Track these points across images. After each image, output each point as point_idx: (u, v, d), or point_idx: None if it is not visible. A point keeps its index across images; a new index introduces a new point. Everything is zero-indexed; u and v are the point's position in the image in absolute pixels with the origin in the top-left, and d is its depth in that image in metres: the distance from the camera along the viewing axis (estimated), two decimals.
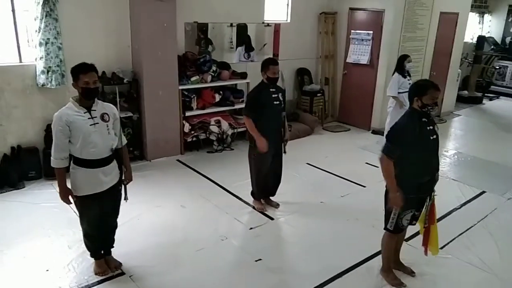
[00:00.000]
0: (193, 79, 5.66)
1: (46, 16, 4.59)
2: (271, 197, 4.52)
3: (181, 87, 5.57)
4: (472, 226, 4.22)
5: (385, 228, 3.14)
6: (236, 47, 6.45)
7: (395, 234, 3.13)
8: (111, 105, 3.10)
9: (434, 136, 2.94)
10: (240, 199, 4.61)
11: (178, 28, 5.54)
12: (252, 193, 4.46)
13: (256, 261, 3.53)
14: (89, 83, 2.79)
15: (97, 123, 2.88)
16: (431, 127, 2.93)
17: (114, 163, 3.05)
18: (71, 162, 2.92)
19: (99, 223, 3.11)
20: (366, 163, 5.73)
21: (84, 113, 2.85)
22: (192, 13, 5.85)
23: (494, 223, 4.32)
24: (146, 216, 4.16)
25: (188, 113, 5.73)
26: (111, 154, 2.99)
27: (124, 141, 3.15)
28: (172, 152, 5.68)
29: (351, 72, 7.56)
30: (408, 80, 5.78)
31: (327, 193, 4.87)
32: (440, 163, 3.16)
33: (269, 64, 3.99)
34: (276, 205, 4.48)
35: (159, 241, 3.75)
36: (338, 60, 7.71)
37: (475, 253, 3.74)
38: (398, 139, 2.90)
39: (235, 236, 3.92)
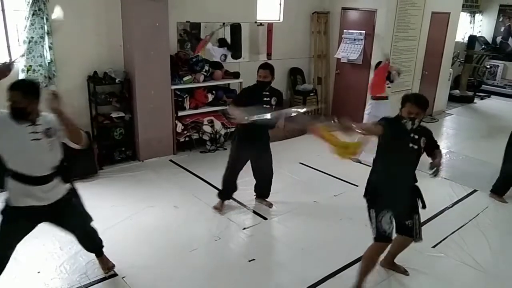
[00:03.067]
0: (185, 78, 5.63)
1: (33, 14, 4.53)
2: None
3: (173, 87, 5.55)
4: (464, 225, 4.25)
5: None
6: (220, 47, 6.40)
7: (381, 243, 3.04)
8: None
9: (415, 147, 2.91)
10: (233, 199, 4.59)
11: (171, 27, 5.51)
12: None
13: (249, 261, 3.52)
14: (14, 102, 2.45)
15: (39, 139, 2.53)
16: (416, 136, 2.91)
17: (56, 182, 2.67)
18: None
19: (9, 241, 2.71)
20: (359, 162, 5.74)
21: (28, 126, 2.50)
22: (185, 12, 5.82)
23: (486, 222, 4.36)
24: (139, 217, 4.14)
25: (180, 113, 5.70)
26: (52, 173, 2.63)
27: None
28: (165, 152, 5.66)
29: (343, 72, 7.57)
30: (388, 85, 5.70)
31: (320, 192, 4.88)
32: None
33: (259, 68, 4.04)
34: (270, 205, 4.48)
35: (152, 242, 3.73)
36: (331, 60, 7.73)
37: (468, 252, 3.76)
38: (382, 120, 2.99)
39: (229, 236, 3.92)
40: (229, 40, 6.42)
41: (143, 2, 5.03)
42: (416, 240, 3.13)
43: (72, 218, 2.87)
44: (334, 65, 7.69)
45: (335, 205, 4.63)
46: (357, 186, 5.04)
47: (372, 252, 3.07)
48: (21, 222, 2.69)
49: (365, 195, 3.07)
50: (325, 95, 7.86)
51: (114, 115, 5.28)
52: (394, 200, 2.94)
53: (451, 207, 4.63)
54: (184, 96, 5.71)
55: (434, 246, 3.77)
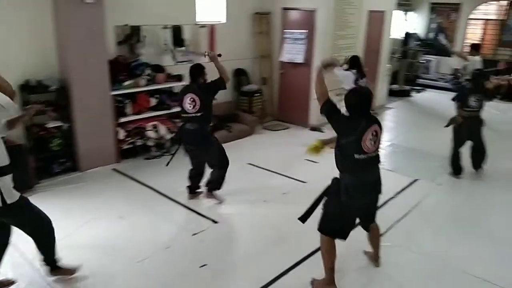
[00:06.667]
0: (126, 83, 5.44)
1: None
2: (217, 191, 4.60)
3: (113, 93, 5.34)
4: (407, 213, 4.42)
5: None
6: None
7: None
8: None
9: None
10: (182, 205, 4.50)
11: (108, 31, 5.30)
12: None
13: (201, 267, 3.45)
14: None
15: None
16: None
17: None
18: None
19: None
20: (306, 159, 5.81)
21: None
22: (123, 16, 5.62)
23: (427, 209, 4.57)
24: (83, 230, 3.93)
25: (122, 119, 5.49)
26: None
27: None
28: (108, 161, 5.43)
29: (287, 71, 7.66)
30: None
31: (269, 191, 4.89)
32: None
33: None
34: (220, 201, 4.55)
35: (97, 255, 3.55)
36: (275, 60, 7.80)
37: (412, 239, 3.92)
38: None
39: (178, 243, 3.81)
40: (171, 43, 6.28)
41: (77, 5, 4.80)
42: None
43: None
44: (278, 65, 7.76)
45: (285, 203, 4.65)
46: (305, 182, 5.11)
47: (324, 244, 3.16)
48: None
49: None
50: (270, 95, 7.91)
51: (50, 125, 4.99)
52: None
53: (395, 197, 4.80)
54: (126, 102, 5.51)
55: (380, 235, 3.88)
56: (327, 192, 3.11)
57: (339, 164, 3.02)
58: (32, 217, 2.99)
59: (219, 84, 4.29)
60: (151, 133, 5.69)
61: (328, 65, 3.18)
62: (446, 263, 3.59)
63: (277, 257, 3.60)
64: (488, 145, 5.41)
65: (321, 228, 3.12)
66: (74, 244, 3.68)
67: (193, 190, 4.66)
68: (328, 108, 2.99)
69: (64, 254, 3.29)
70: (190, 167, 4.54)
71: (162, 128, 5.80)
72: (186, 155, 4.45)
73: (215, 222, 4.18)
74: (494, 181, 5.36)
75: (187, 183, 4.64)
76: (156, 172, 5.31)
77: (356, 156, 2.89)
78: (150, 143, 5.74)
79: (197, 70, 4.23)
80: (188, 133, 4.28)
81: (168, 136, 5.86)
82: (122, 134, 5.48)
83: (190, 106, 4.16)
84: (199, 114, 4.18)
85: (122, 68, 5.52)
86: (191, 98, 4.15)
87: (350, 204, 3.00)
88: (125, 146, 5.59)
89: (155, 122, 5.76)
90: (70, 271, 3.23)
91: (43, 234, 3.07)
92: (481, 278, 3.38)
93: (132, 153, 5.77)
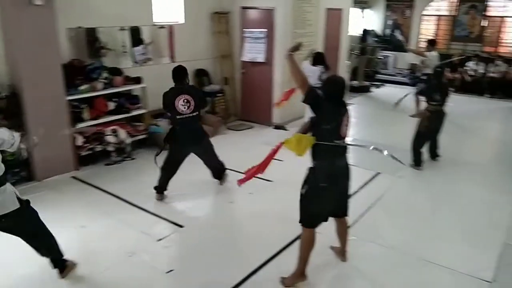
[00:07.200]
0: (82, 88, 5.25)
1: None
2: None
3: (69, 98, 5.13)
4: (371, 207, 4.51)
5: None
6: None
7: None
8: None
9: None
10: (145, 210, 4.38)
11: (60, 34, 5.10)
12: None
13: (167, 272, 3.38)
14: None
15: None
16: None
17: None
18: None
19: None
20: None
21: None
22: (76, 18, 5.41)
23: (390, 201, 4.68)
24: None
25: (79, 125, 5.30)
26: None
27: None
28: (66, 169, 5.22)
29: (249, 71, 7.65)
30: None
31: (235, 192, 4.85)
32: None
33: None
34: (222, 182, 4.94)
35: None
36: (236, 59, 7.76)
37: (377, 232, 4.00)
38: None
39: (143, 250, 3.71)
40: (129, 45, 6.13)
41: (25, 8, 4.58)
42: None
43: None
44: (239, 64, 7.73)
45: (251, 203, 4.64)
46: (271, 181, 5.10)
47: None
48: None
49: None
50: (233, 94, 7.87)
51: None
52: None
53: (358, 191, 4.88)
54: (82, 107, 5.32)
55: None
56: (304, 183, 3.13)
57: (316, 151, 3.04)
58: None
59: (205, 101, 4.84)
60: (110, 138, 5.52)
61: (295, 49, 3.27)
62: (410, 254, 3.68)
63: (245, 257, 3.58)
64: (445, 138, 5.61)
65: (303, 221, 3.14)
66: (33, 257, 3.50)
67: (162, 190, 4.60)
68: (313, 97, 3.00)
69: (24, 269, 3.14)
70: (163, 166, 4.50)
71: (122, 132, 5.63)
72: (174, 155, 4.44)
73: (180, 226, 4.10)
74: (452, 172, 5.56)
75: (157, 183, 4.58)
76: (118, 178, 5.16)
77: (335, 141, 2.97)
78: (110, 148, 5.56)
79: (183, 72, 4.30)
80: (187, 134, 4.35)
81: (129, 140, 5.71)
82: (80, 140, 5.28)
83: (184, 107, 4.24)
84: (194, 114, 4.31)
85: (77, 72, 5.33)
86: (184, 99, 4.23)
87: (326, 191, 3.05)
88: (84, 153, 5.39)
89: (114, 127, 5.60)
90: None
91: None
92: (444, 266, 3.49)
93: (92, 160, 5.57)
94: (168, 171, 4.53)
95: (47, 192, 4.78)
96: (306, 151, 2.98)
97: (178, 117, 4.29)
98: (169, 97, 4.29)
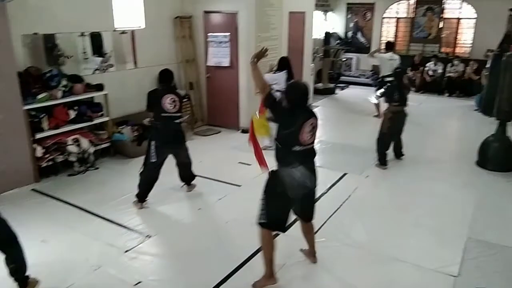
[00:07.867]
0: (40, 96, 5.04)
1: None
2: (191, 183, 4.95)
3: (26, 107, 4.92)
4: (339, 208, 4.55)
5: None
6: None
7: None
8: None
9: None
10: (111, 221, 4.25)
11: (14, 41, 4.88)
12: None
13: (135, 285, 3.28)
14: None
15: None
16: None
17: None
18: None
19: None
20: (239, 162, 5.80)
21: None
22: (31, 24, 5.20)
23: (358, 201, 4.74)
24: (1, 259, 3.55)
25: (38, 135, 5.08)
26: None
27: None
28: (25, 182, 4.99)
29: (214, 75, 7.59)
30: None
31: (204, 198, 4.80)
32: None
33: None
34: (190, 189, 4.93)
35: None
36: (200, 64, 7.69)
37: (345, 232, 4.04)
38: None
39: (109, 262, 3.59)
40: (90, 51, 5.96)
41: None
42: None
43: None
44: (204, 69, 7.67)
45: (220, 208, 4.59)
46: (239, 186, 5.08)
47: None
48: None
49: None
50: (199, 99, 7.80)
51: None
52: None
53: (326, 192, 4.92)
54: (41, 116, 5.11)
55: (315, 232, 3.94)
56: (265, 185, 3.14)
57: (278, 155, 3.06)
58: None
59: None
60: (72, 148, 5.32)
61: (259, 56, 3.29)
62: (379, 252, 3.74)
63: (216, 265, 3.53)
64: (408, 136, 5.76)
65: (260, 222, 3.12)
66: None
67: (143, 198, 4.54)
68: (271, 101, 3.09)
69: None
70: (142, 170, 4.49)
71: (84, 141, 5.45)
72: (155, 155, 4.38)
73: (148, 236, 4.00)
74: (416, 170, 5.71)
75: (138, 191, 4.50)
76: (81, 188, 4.99)
77: (295, 148, 2.98)
78: (72, 158, 5.36)
79: (170, 73, 4.49)
80: (170, 133, 4.43)
81: (91, 149, 5.53)
82: (39, 151, 5.07)
83: (171, 106, 4.34)
84: (178, 114, 4.45)
85: (34, 80, 5.13)
86: (171, 98, 4.35)
87: (287, 195, 3.05)
88: (44, 164, 5.18)
89: (76, 136, 5.40)
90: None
91: None
92: (411, 263, 3.56)
93: (53, 171, 5.36)
94: (149, 175, 4.47)
95: (4, 206, 4.48)
96: (266, 134, 3.13)
97: (163, 114, 4.33)
98: (156, 95, 4.40)
